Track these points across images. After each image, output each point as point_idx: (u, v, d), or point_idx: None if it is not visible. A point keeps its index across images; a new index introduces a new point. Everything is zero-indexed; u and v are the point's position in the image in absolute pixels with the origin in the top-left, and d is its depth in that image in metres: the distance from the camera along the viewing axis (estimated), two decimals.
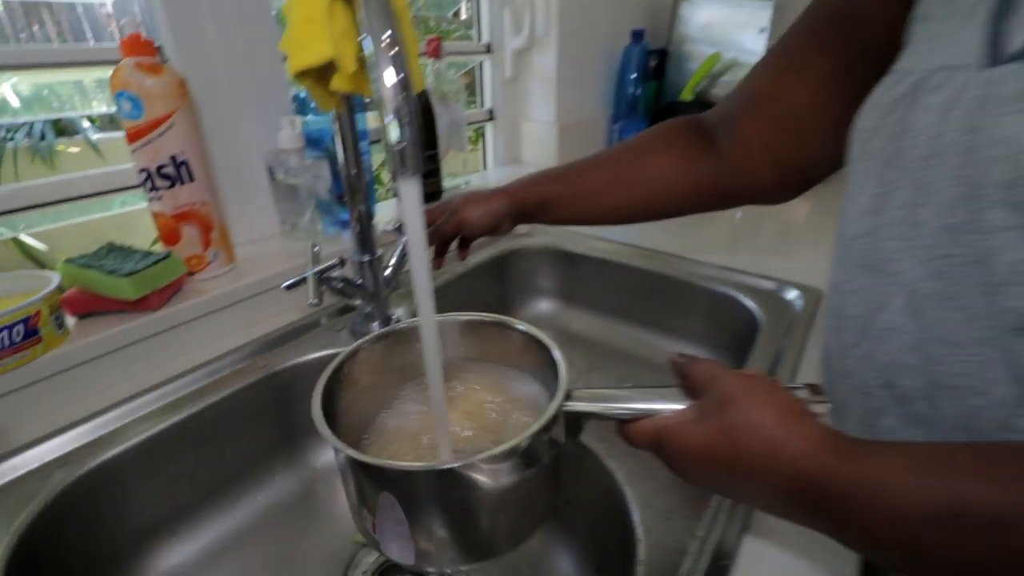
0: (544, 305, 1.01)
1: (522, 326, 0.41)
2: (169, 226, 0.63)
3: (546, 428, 0.32)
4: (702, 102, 1.29)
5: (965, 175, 0.28)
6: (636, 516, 0.42)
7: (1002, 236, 0.26)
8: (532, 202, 0.60)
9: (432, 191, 0.96)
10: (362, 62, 0.49)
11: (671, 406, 0.33)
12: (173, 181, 0.61)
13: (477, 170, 1.22)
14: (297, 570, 0.55)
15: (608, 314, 0.94)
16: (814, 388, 0.32)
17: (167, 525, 0.55)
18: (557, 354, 0.37)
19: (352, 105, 0.57)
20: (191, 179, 0.62)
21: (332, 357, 0.65)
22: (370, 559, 0.56)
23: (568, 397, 0.34)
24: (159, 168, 0.60)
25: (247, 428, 0.60)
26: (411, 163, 0.34)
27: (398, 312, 0.70)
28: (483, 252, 0.91)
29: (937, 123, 0.29)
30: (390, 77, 0.32)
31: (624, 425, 0.34)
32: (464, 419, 0.39)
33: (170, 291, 0.61)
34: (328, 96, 0.53)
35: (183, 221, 0.63)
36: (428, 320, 0.34)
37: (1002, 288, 0.27)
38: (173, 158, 0.60)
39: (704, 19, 1.26)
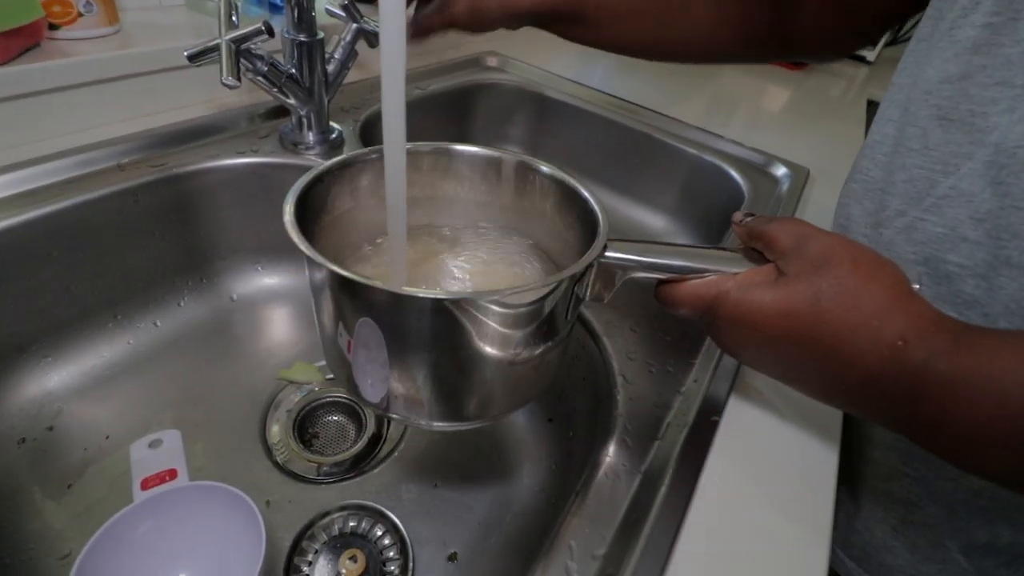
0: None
1: (547, 168, 0.32)
2: None
3: (578, 277, 0.25)
4: None
5: None
6: (615, 366, 0.37)
7: None
8: (566, 5, 0.47)
9: None
10: None
11: (732, 270, 0.26)
12: None
13: None
14: (210, 406, 0.47)
15: (580, 174, 0.85)
16: None
17: (37, 344, 0.44)
18: (592, 202, 0.30)
19: None
20: None
21: (258, 167, 0.53)
22: (295, 398, 0.49)
23: (606, 247, 0.27)
24: None
25: (138, 240, 0.48)
26: None
27: (340, 128, 0.57)
28: (444, 81, 0.77)
29: None
30: None
31: (665, 286, 0.28)
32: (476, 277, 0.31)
33: (21, 41, 0.44)
34: None
35: None
36: (396, 142, 0.24)
37: None
38: None
39: None
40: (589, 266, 0.26)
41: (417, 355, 0.25)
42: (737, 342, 0.26)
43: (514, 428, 0.48)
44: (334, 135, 0.55)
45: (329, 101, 0.54)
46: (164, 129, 0.50)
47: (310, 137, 0.54)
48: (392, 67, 0.23)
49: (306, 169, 0.55)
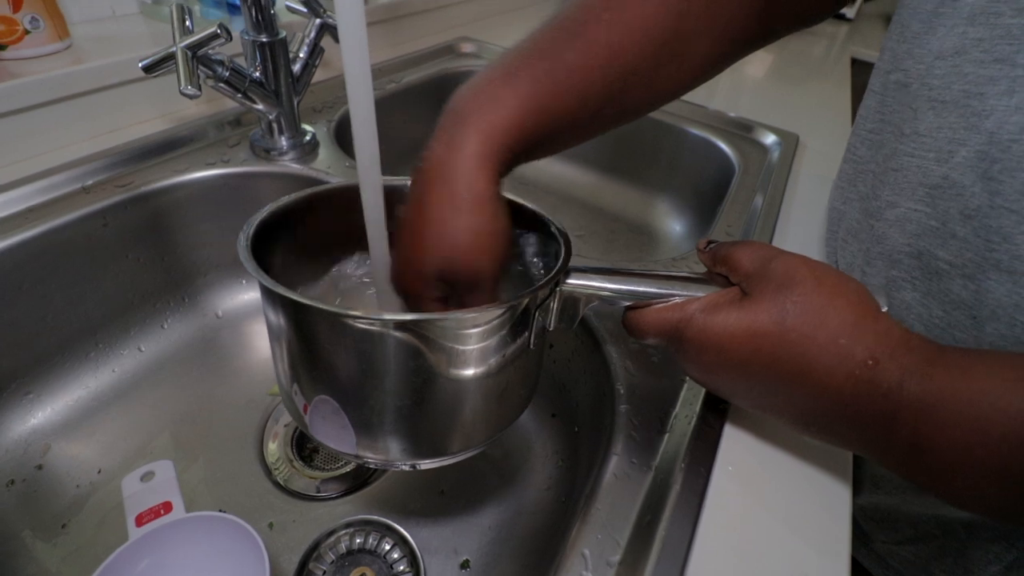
0: None
1: (509, 196, 0.31)
2: None
3: (537, 300, 0.24)
4: None
5: None
6: (615, 357, 0.36)
7: None
8: (534, 141, 0.26)
9: None
10: None
11: (696, 294, 0.26)
12: None
13: None
14: (203, 428, 0.46)
15: (563, 156, 0.83)
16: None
17: (18, 381, 0.43)
18: (555, 226, 0.29)
19: None
20: None
21: (231, 177, 0.51)
22: None
23: (568, 274, 0.26)
24: None
25: (112, 264, 0.46)
26: None
27: (313, 130, 0.54)
28: (418, 72, 0.74)
29: None
30: None
31: (631, 313, 0.27)
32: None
33: None
34: None
35: None
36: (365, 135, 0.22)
37: None
38: None
39: None
40: (550, 292, 0.25)
41: (376, 387, 0.24)
42: (706, 367, 0.25)
43: (517, 426, 0.47)
44: (308, 138, 0.53)
45: (299, 103, 0.51)
46: (128, 146, 0.48)
47: (283, 142, 0.51)
48: (355, 64, 0.22)
49: (280, 176, 0.53)
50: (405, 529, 0.39)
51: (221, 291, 0.54)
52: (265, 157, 0.51)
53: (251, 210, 0.53)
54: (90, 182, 0.45)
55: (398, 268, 0.25)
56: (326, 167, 0.52)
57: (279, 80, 0.48)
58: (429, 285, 0.24)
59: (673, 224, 0.78)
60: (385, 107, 0.69)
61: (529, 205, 0.30)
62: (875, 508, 0.38)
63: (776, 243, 0.49)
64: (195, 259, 0.52)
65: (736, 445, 0.30)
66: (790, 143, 0.68)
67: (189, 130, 0.52)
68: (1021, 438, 0.18)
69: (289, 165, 0.51)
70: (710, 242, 0.29)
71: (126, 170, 0.47)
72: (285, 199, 0.29)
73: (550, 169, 0.83)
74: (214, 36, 0.41)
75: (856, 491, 0.30)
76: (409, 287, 0.25)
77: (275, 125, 0.51)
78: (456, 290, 0.24)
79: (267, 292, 0.24)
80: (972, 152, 0.26)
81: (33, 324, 0.42)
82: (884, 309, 0.24)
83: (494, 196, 0.23)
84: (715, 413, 0.31)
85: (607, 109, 0.28)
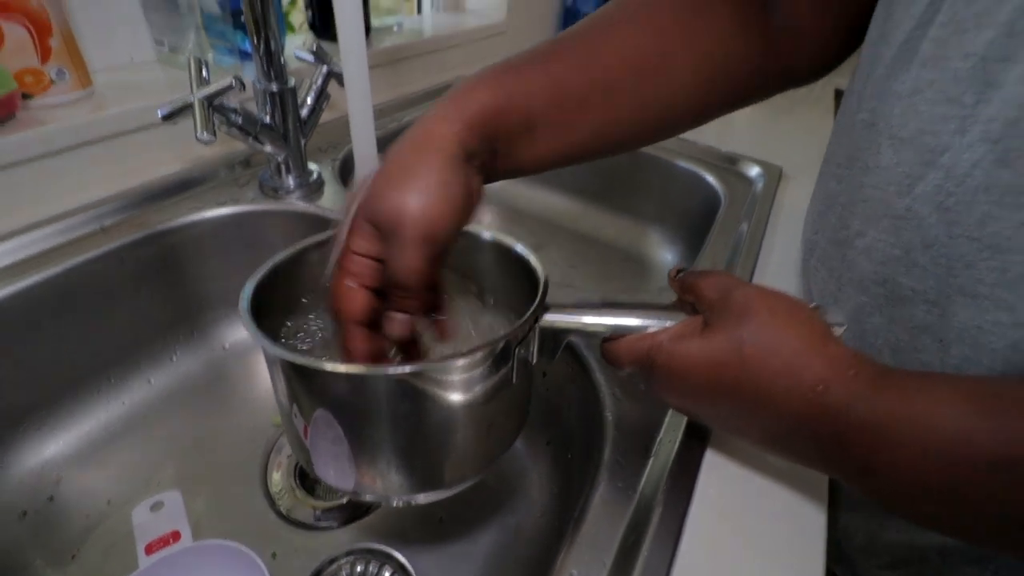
0: None
1: (488, 234, 0.33)
2: None
3: (516, 339, 0.26)
4: None
5: None
6: (603, 383, 0.37)
7: None
8: (511, 119, 0.28)
9: None
10: None
11: (665, 323, 0.28)
12: None
13: (411, 13, 1.02)
14: (210, 459, 0.47)
15: (556, 187, 0.86)
16: (822, 309, 0.27)
17: (32, 415, 0.44)
18: (533, 262, 0.31)
19: None
20: None
21: (240, 216, 0.53)
22: None
23: (546, 310, 0.28)
24: None
25: (126, 300, 0.48)
26: None
27: (319, 169, 0.57)
28: (417, 111, 0.78)
29: None
30: None
31: (607, 344, 0.29)
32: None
33: None
34: None
35: (3, 14, 0.45)
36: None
37: None
38: None
39: None
40: (529, 329, 0.27)
41: (373, 432, 0.26)
42: (676, 394, 0.27)
43: (513, 453, 0.48)
44: (314, 176, 0.56)
45: (305, 144, 0.54)
46: (144, 187, 0.51)
47: (290, 181, 0.54)
48: (359, 103, 0.24)
49: (286, 214, 0.56)
50: (405, 557, 0.40)
51: (228, 324, 0.56)
52: (273, 196, 0.54)
53: (259, 246, 0.55)
54: (108, 223, 0.47)
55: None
56: (330, 204, 0.54)
57: (287, 125, 0.51)
58: (364, 234, 0.25)
59: (665, 253, 0.81)
60: (386, 145, 0.72)
61: (510, 243, 0.32)
62: (856, 531, 0.39)
63: (758, 271, 0.52)
64: (204, 293, 0.54)
65: (717, 469, 0.31)
66: (773, 175, 0.71)
67: (202, 171, 0.55)
68: (958, 456, 0.20)
69: (295, 203, 0.53)
70: (680, 270, 0.30)
71: (142, 210, 0.50)
72: (280, 255, 0.30)
73: (547, 200, 0.86)
74: (229, 87, 0.44)
75: (835, 514, 0.32)
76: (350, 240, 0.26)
77: (283, 166, 0.54)
78: (387, 248, 0.25)
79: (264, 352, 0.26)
80: (930, 186, 0.27)
81: (49, 360, 0.44)
82: (843, 327, 0.26)
83: (451, 156, 0.25)
84: (697, 439, 0.33)
85: (588, 116, 0.31)
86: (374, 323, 0.27)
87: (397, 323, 0.26)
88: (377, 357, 0.28)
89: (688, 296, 0.29)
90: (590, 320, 0.29)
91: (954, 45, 0.25)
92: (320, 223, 0.53)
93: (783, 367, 0.24)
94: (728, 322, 0.25)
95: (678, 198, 0.77)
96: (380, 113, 0.75)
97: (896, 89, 0.29)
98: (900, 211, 0.29)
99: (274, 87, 0.49)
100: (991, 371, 0.27)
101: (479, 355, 0.25)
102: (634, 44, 0.31)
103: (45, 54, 0.48)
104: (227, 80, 0.44)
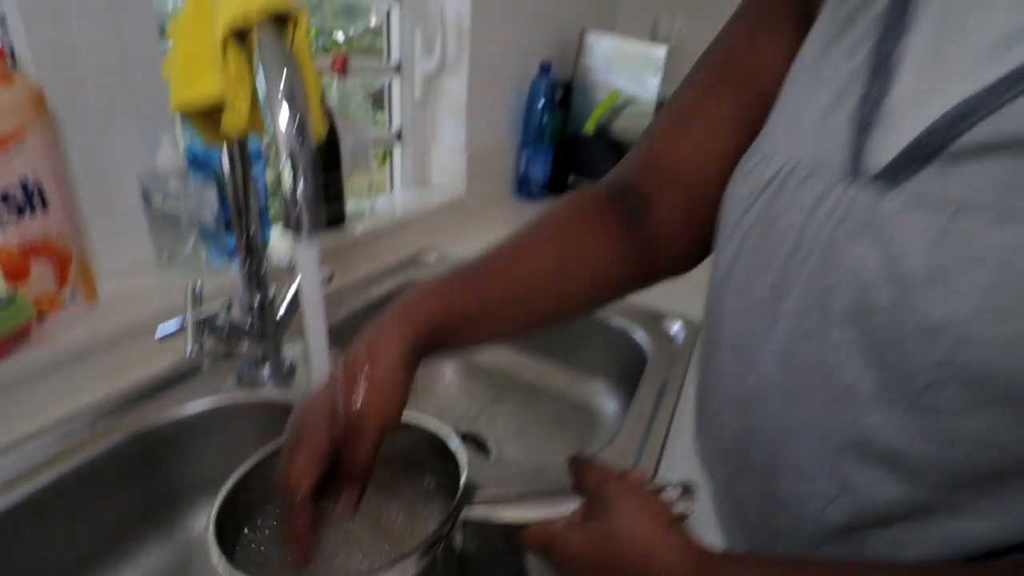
0: None
1: (413, 420, 0.40)
2: (15, 263, 0.54)
3: (441, 538, 0.32)
4: (604, 136, 1.37)
5: (818, 286, 0.30)
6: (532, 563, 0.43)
7: (844, 353, 0.29)
8: (450, 322, 0.37)
9: (334, 217, 0.92)
10: (256, 100, 0.46)
11: (563, 510, 0.34)
12: (22, 209, 0.53)
13: (384, 191, 1.18)
14: None
15: (511, 344, 0.96)
16: (687, 488, 0.35)
17: None
18: (461, 465, 0.37)
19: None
20: (44, 206, 0.54)
21: (218, 410, 0.60)
22: None
23: (468, 501, 0.34)
24: (4, 196, 0.52)
25: (107, 500, 0.53)
26: (307, 223, 0.33)
27: (291, 355, 0.66)
28: (385, 284, 0.89)
29: (802, 226, 0.31)
30: (284, 120, 0.31)
31: (522, 533, 0.35)
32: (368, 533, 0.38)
33: (13, 341, 0.53)
34: (215, 132, 0.49)
35: (33, 256, 0.55)
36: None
37: (834, 402, 0.30)
38: (23, 184, 0.52)
39: (606, 51, 1.33)
40: (451, 527, 0.33)
41: None
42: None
43: None
44: (287, 364, 0.64)
45: (280, 337, 0.63)
46: (134, 387, 0.58)
47: (264, 373, 0.62)
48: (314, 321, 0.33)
49: (259, 406, 0.63)
50: None
51: (201, 509, 0.60)
52: (249, 387, 0.61)
53: (234, 435, 0.61)
54: (99, 428, 0.54)
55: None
56: (301, 389, 0.62)
57: (265, 327, 0.60)
58: (317, 429, 0.32)
59: (609, 403, 0.89)
60: (356, 320, 0.82)
61: (443, 437, 0.39)
62: None
63: (677, 416, 0.60)
64: (176, 483, 0.59)
65: None
66: (692, 330, 0.81)
67: (186, 366, 0.62)
68: None
69: (268, 394, 0.61)
70: (573, 459, 0.36)
71: (128, 410, 0.56)
72: (239, 471, 0.37)
73: (503, 356, 0.95)
74: (217, 315, 0.53)
75: None
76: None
77: (259, 360, 0.62)
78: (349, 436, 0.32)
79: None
80: (754, 381, 0.35)
81: (28, 568, 0.48)
82: (686, 502, 0.32)
83: (406, 360, 0.33)
84: None
85: (511, 312, 0.41)
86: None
87: (345, 506, 0.34)
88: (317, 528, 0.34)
89: (576, 485, 0.35)
90: (506, 514, 0.35)
91: (755, 283, 0.35)
92: (288, 411, 0.60)
93: (637, 558, 0.30)
94: (597, 515, 0.32)
95: (614, 353, 0.87)
96: (350, 289, 0.85)
97: (726, 305, 0.38)
98: (742, 394, 0.36)
99: (256, 300, 0.58)
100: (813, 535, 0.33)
101: (410, 559, 0.31)
102: (541, 264, 0.42)
103: (62, 281, 0.57)
104: (220, 305, 0.54)
